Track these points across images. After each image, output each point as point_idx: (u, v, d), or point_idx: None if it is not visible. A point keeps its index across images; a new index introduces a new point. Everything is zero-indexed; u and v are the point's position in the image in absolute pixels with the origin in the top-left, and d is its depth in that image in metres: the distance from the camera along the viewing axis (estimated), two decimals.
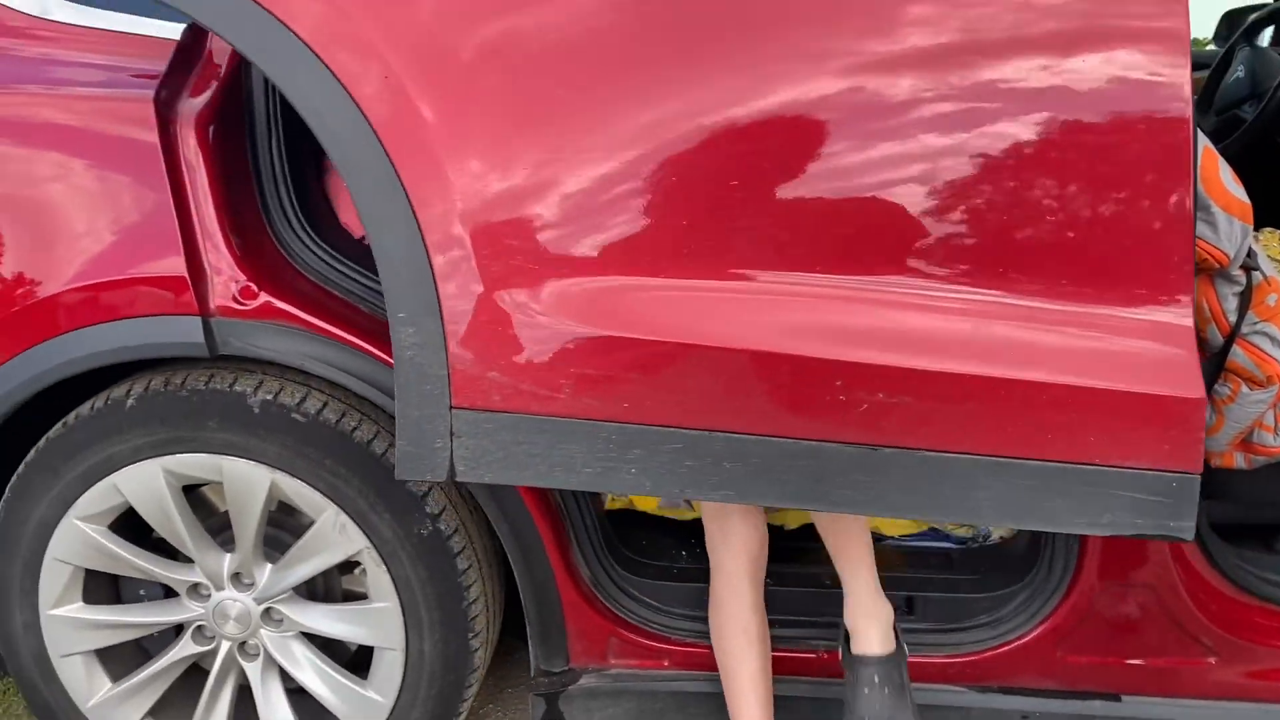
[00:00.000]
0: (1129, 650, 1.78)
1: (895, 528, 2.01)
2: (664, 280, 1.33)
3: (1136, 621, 1.77)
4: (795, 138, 1.30)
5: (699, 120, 1.29)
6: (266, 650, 1.80)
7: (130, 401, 1.66)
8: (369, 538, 1.70)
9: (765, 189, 1.31)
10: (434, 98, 1.30)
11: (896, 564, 1.96)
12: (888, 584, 1.85)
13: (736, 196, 1.31)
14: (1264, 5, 2.99)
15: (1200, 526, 1.75)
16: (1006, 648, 1.79)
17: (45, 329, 1.63)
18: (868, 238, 1.32)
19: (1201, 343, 1.77)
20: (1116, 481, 1.29)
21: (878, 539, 2.03)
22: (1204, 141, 1.66)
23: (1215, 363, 1.78)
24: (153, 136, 1.58)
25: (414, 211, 1.30)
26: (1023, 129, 1.26)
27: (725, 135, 1.29)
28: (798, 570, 1.89)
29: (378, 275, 1.69)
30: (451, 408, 1.33)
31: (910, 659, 1.71)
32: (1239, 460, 1.86)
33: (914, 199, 1.29)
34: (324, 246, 1.72)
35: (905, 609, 1.84)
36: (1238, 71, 2.66)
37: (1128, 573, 1.75)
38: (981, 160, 1.27)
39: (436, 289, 1.31)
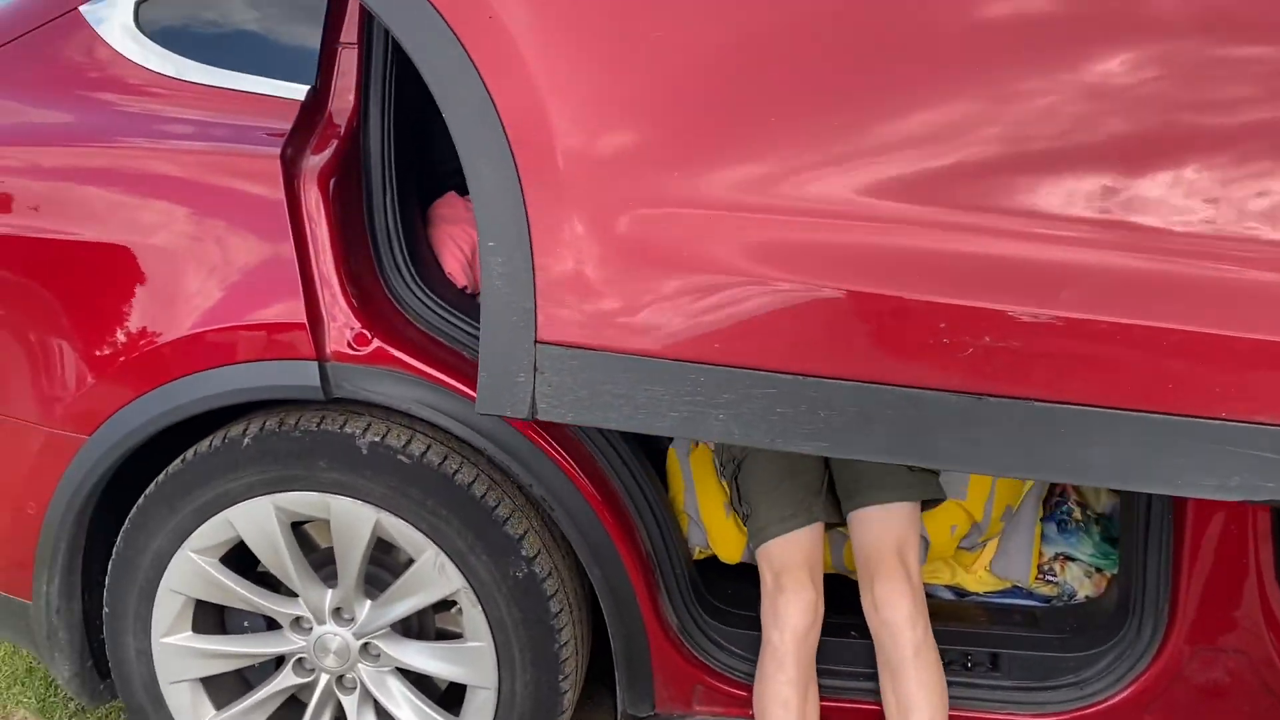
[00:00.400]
0: (1219, 718, 1.77)
1: (979, 584, 2.01)
2: (761, 217, 1.28)
3: (1227, 688, 1.75)
4: (900, 62, 1.26)
5: (800, 43, 1.25)
6: (363, 684, 1.87)
7: (246, 440, 1.74)
8: (467, 578, 1.76)
9: (867, 117, 1.26)
10: (534, 32, 1.30)
11: (980, 620, 1.96)
12: (971, 640, 1.87)
13: (837, 126, 1.26)
14: None
15: None
16: (1093, 709, 1.79)
17: (171, 370, 1.72)
18: (981, 167, 1.24)
19: None
20: (1250, 439, 1.18)
21: (960, 594, 2.04)
22: None
23: None
24: (279, 191, 1.68)
25: (508, 140, 1.29)
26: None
27: (833, 59, 1.26)
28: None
29: (480, 321, 1.79)
30: (536, 342, 1.30)
31: (993, 717, 1.72)
32: None
33: (1045, 130, 1.22)
34: (431, 295, 1.79)
35: (989, 665, 1.85)
36: None
37: (1218, 637, 1.74)
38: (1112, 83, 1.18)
39: (528, 219, 1.30)
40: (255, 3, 1.84)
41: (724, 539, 1.97)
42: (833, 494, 1.84)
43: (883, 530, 1.75)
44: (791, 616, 1.73)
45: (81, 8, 1.85)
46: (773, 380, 1.26)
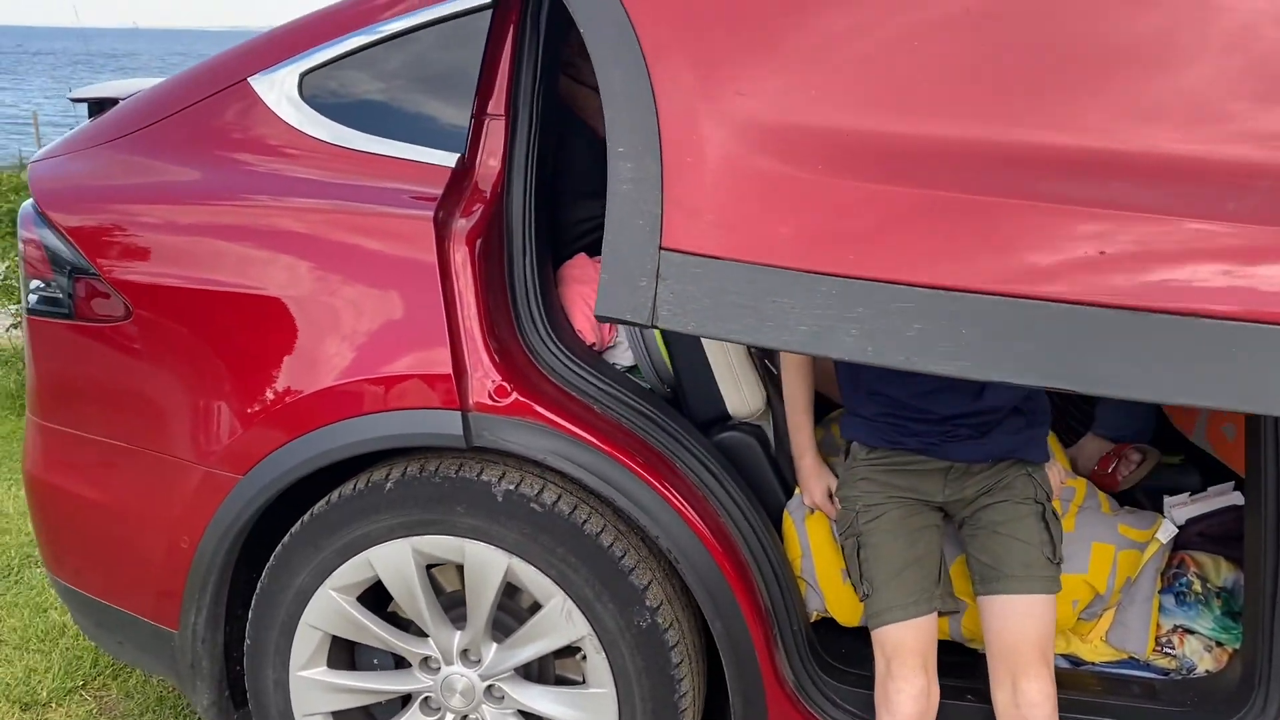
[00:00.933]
0: None
1: (1095, 654, 2.01)
2: (897, 125, 1.24)
3: None
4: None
5: None
6: None
7: (389, 485, 1.83)
8: (592, 626, 1.82)
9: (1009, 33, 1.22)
10: None
11: (1096, 690, 1.95)
12: (1088, 709, 1.87)
13: (982, 37, 1.23)
14: None
15: None
16: None
17: (323, 416, 1.82)
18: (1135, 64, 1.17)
19: None
20: None
21: (1076, 664, 2.04)
22: None
23: None
24: (431, 251, 1.79)
25: (641, 46, 1.28)
26: None
27: None
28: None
29: (609, 377, 1.87)
30: (660, 248, 1.27)
31: None
32: None
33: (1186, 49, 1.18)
34: (565, 350, 1.88)
35: None
36: None
37: None
38: None
39: (659, 125, 1.27)
40: (406, 77, 1.96)
41: (841, 603, 2.00)
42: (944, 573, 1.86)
43: (1027, 624, 1.74)
44: (904, 705, 1.75)
45: (250, 79, 2.00)
46: (910, 294, 1.18)
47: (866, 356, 1.22)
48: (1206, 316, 1.10)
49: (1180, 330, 1.10)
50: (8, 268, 4.65)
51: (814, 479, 1.98)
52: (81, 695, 2.50)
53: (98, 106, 2.28)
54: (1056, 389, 1.30)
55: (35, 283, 2.06)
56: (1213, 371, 1.10)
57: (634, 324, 1.33)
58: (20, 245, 2.09)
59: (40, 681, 2.53)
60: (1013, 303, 1.15)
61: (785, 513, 2.08)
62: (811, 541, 2.03)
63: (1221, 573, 2.04)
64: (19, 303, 4.65)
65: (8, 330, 4.87)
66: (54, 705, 2.46)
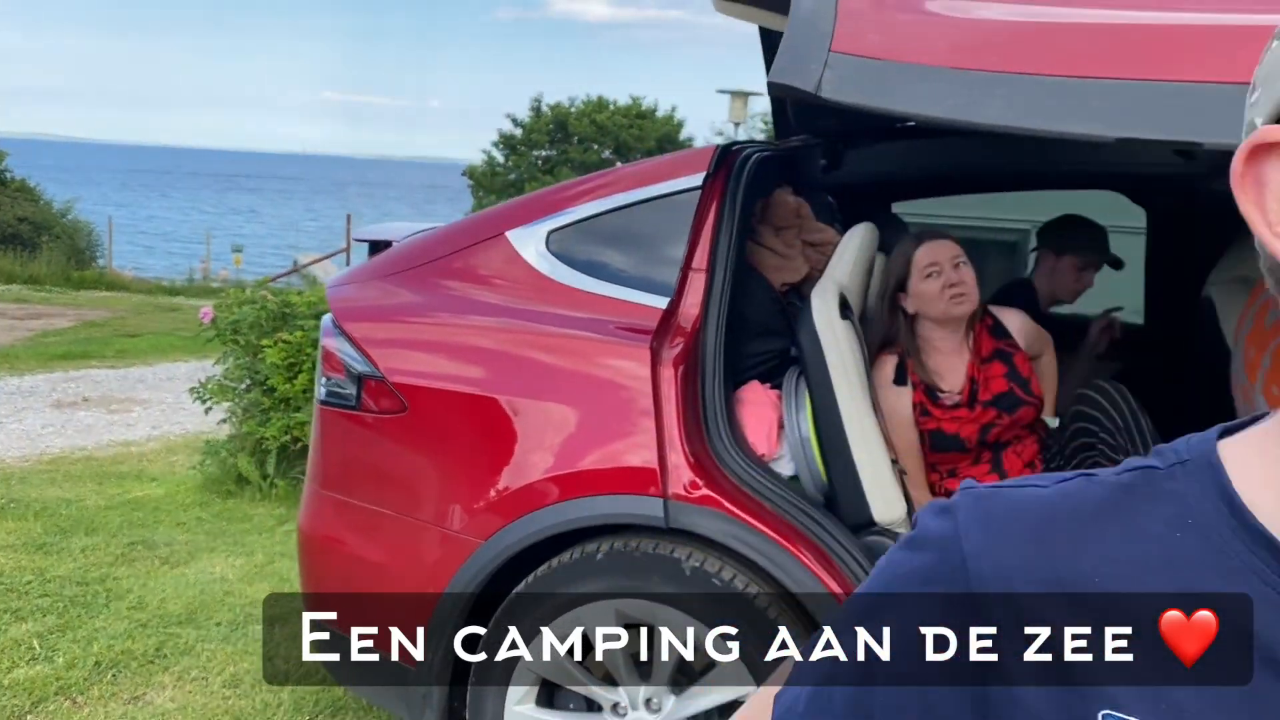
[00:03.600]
0: None
1: None
2: None
3: None
4: None
5: None
6: None
7: (599, 556, 2.31)
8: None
9: None
10: None
11: None
12: None
13: None
14: None
15: None
16: None
17: (553, 496, 2.32)
18: None
19: None
20: None
21: None
22: None
23: None
24: (646, 371, 2.30)
25: None
26: None
27: None
28: None
29: (777, 481, 2.31)
30: (831, 50, 1.52)
31: None
32: None
33: None
34: (744, 456, 2.35)
35: None
36: None
37: None
38: None
39: None
40: (631, 238, 2.52)
41: None
42: None
43: None
44: None
45: (508, 233, 2.59)
46: (1044, 81, 1.44)
47: (1010, 120, 1.47)
48: None
49: None
50: (225, 371, 5.38)
51: None
52: None
53: (375, 247, 2.91)
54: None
55: (328, 379, 2.64)
56: None
57: (801, 91, 1.60)
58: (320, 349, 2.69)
59: (275, 713, 3.03)
60: (1128, 83, 1.44)
61: None
62: None
63: None
64: (232, 400, 5.38)
65: (220, 423, 5.58)
66: None
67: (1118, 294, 3.74)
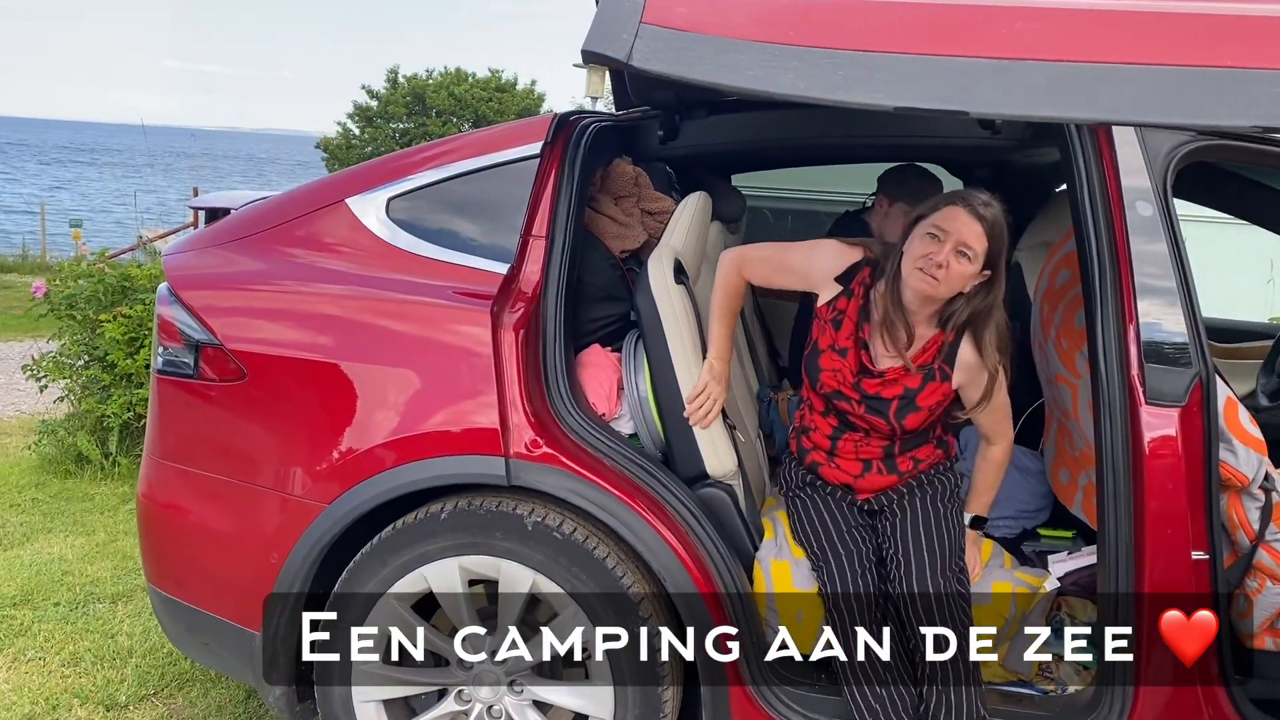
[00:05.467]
0: None
1: (994, 675, 2.53)
2: None
3: None
4: None
5: None
6: (508, 713, 2.42)
7: (443, 515, 2.37)
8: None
9: None
10: None
11: (997, 703, 2.46)
12: (993, 714, 2.38)
13: None
14: None
15: (1242, 705, 2.25)
16: None
17: (395, 459, 2.37)
18: None
19: (1233, 545, 2.33)
20: None
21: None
22: (1225, 391, 2.28)
23: (1244, 563, 2.32)
24: (487, 335, 2.36)
25: None
26: None
27: None
28: None
29: (615, 438, 2.41)
30: (641, 22, 1.59)
31: None
32: (1269, 643, 2.37)
33: None
34: (583, 416, 2.44)
35: None
36: None
37: None
38: None
39: None
40: (471, 206, 2.57)
41: (797, 635, 2.50)
42: None
43: None
44: None
45: (348, 199, 2.60)
46: (834, 55, 1.54)
47: (800, 91, 1.55)
48: None
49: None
50: (62, 347, 5.18)
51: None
52: (153, 701, 2.96)
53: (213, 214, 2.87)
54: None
55: (164, 349, 2.61)
56: None
57: (614, 60, 1.64)
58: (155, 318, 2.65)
59: (118, 689, 2.99)
60: (909, 57, 1.57)
61: (755, 561, 2.60)
62: (775, 583, 2.54)
63: (1088, 612, 2.58)
64: (69, 377, 5.18)
65: (55, 402, 5.37)
66: (131, 708, 2.91)
67: None
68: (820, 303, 2.48)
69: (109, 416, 4.93)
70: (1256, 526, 2.32)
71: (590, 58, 1.62)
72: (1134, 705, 2.27)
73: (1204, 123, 1.56)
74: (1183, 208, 2.47)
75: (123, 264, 5.49)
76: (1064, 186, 3.58)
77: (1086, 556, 2.65)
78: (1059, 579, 2.59)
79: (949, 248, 2.23)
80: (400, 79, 21.70)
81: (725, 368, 2.52)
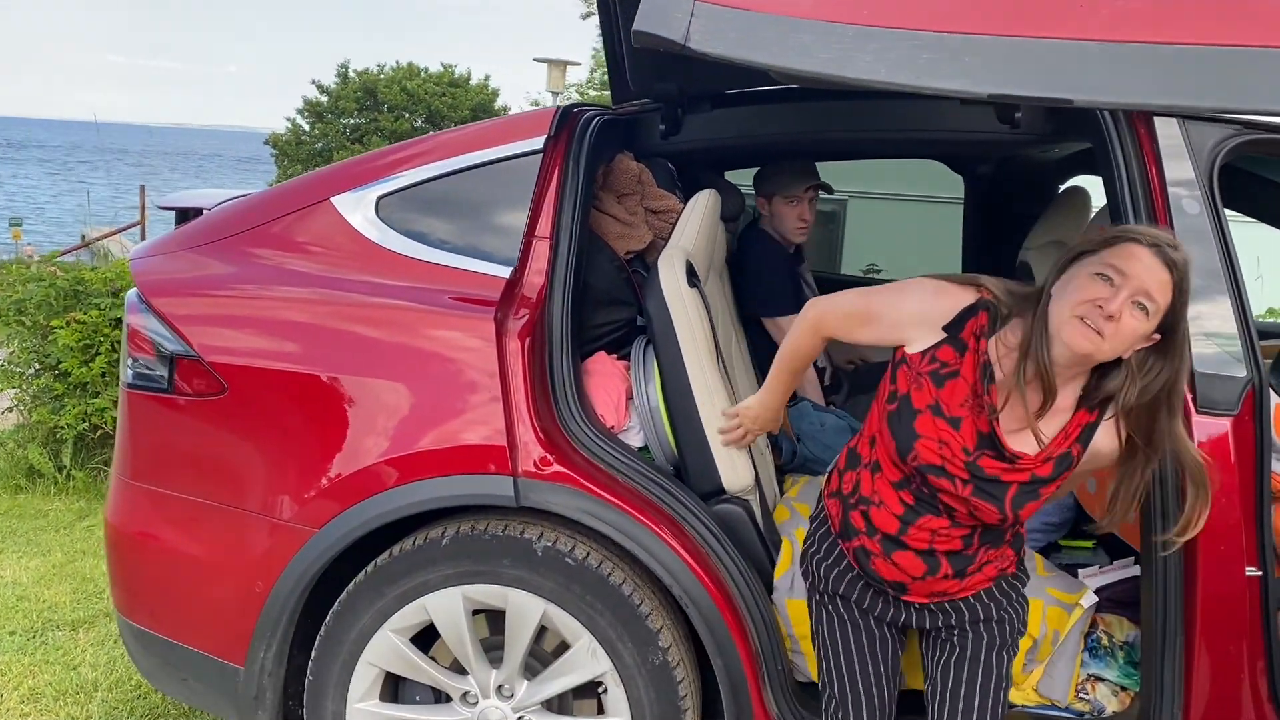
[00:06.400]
0: None
1: (1024, 699, 2.40)
2: None
3: None
4: None
5: None
6: None
7: (444, 541, 2.19)
8: (614, 662, 2.17)
9: None
10: None
11: None
12: None
13: None
14: None
15: None
16: None
17: (396, 478, 2.18)
18: None
19: (1279, 559, 2.22)
20: None
21: (1010, 707, 2.43)
22: (1275, 399, 2.17)
23: None
24: (491, 344, 2.19)
25: None
26: None
27: None
28: None
29: (627, 453, 2.25)
30: (697, 1, 1.43)
31: None
32: None
33: None
34: (594, 429, 2.27)
35: None
36: None
37: None
38: None
39: None
40: (467, 204, 2.38)
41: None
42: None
43: None
44: None
45: (333, 199, 2.41)
46: (917, 36, 1.39)
47: (880, 77, 1.40)
48: None
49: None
50: (10, 354, 4.90)
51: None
52: None
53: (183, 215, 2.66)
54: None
55: (135, 360, 2.40)
56: None
57: (669, 41, 1.47)
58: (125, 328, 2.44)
59: None
60: (1003, 39, 1.41)
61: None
62: (794, 624, 2.38)
63: (1125, 630, 2.46)
64: (19, 386, 4.90)
65: (4, 413, 5.09)
66: None
67: (940, 261, 3.87)
68: (912, 350, 1.86)
69: (63, 428, 4.67)
70: None
71: (642, 39, 1.45)
72: None
73: None
74: None
75: (74, 266, 5.21)
76: (1070, 182, 3.50)
77: (1120, 570, 2.53)
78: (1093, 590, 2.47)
79: (1124, 296, 1.67)
80: (351, 74, 21.30)
81: (770, 416, 2.28)
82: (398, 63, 21.65)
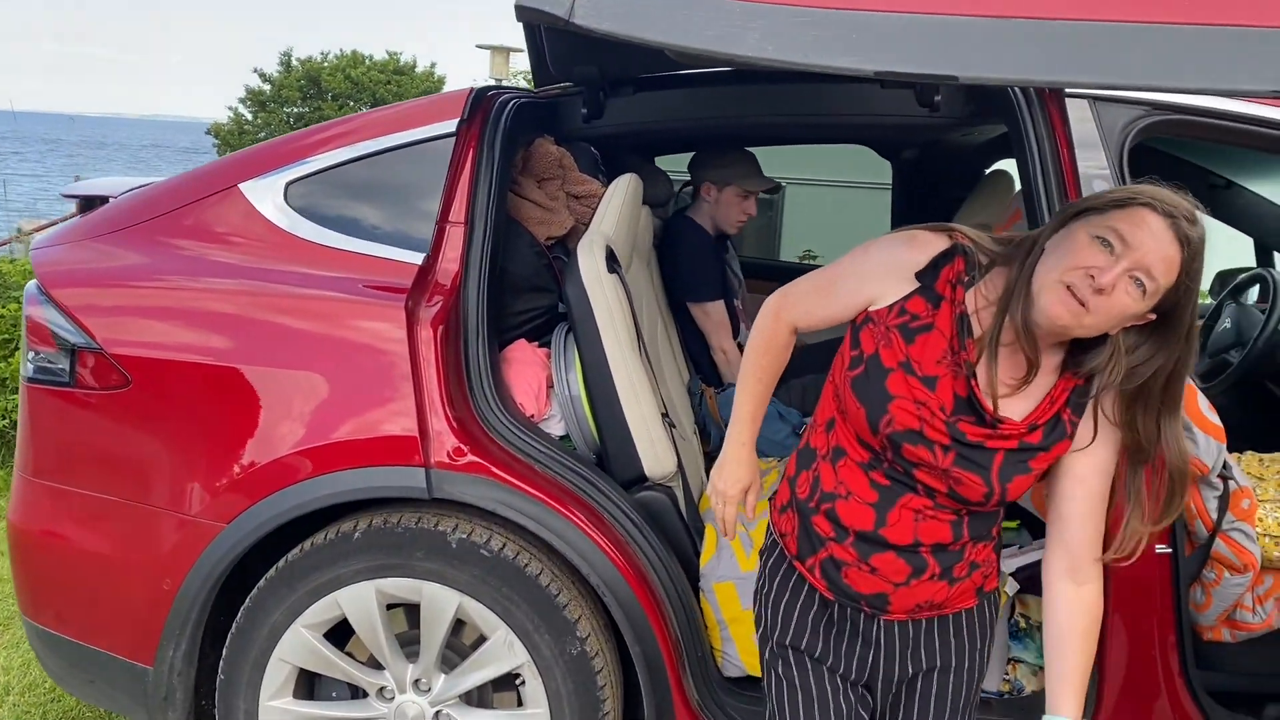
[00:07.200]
0: None
1: None
2: None
3: None
4: None
5: None
6: None
7: (357, 535, 2.14)
8: (530, 654, 2.14)
9: None
10: None
11: None
12: None
13: None
14: (1250, 269, 3.56)
15: (1199, 694, 2.17)
16: None
17: (302, 472, 2.13)
18: None
19: (1190, 535, 2.24)
20: None
21: None
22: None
23: (1202, 553, 2.24)
24: (402, 333, 2.14)
25: None
26: None
27: None
28: None
29: (546, 442, 2.22)
30: None
31: None
32: (1226, 635, 2.29)
33: None
34: (511, 419, 2.23)
35: None
36: (1225, 323, 3.21)
37: None
38: None
39: None
40: (379, 190, 2.33)
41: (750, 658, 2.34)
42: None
43: None
44: None
45: (240, 185, 2.35)
46: (806, 13, 1.34)
47: (769, 54, 1.34)
48: None
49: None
50: None
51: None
52: None
53: (88, 203, 2.58)
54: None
55: (35, 354, 2.32)
56: None
57: (552, 16, 1.42)
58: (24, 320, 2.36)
59: None
60: (892, 16, 1.34)
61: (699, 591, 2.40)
62: (723, 609, 2.36)
63: (1041, 610, 2.48)
64: None
65: None
66: None
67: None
68: (876, 306, 1.64)
69: None
70: (1214, 516, 2.23)
71: (525, 14, 1.41)
72: (1098, 703, 2.17)
73: (1223, 87, 1.35)
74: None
75: None
76: (994, 167, 3.52)
77: (1036, 550, 2.54)
78: (1011, 574, 2.48)
79: (1122, 268, 1.45)
80: (295, 62, 21.01)
81: (749, 454, 1.86)
82: (342, 50, 21.38)
